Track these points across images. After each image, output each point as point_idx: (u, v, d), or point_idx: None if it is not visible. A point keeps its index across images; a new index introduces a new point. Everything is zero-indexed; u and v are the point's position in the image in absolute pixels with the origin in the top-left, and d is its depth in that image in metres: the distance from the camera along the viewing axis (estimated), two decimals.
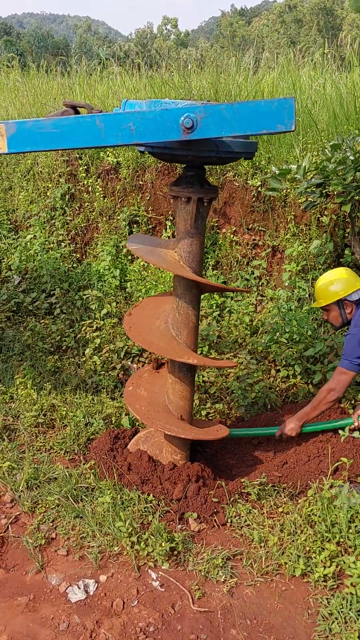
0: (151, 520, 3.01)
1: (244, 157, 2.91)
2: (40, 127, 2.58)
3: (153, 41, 51.01)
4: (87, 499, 3.22)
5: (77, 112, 2.88)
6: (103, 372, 4.51)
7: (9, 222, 6.62)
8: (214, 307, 5.18)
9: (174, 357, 3.09)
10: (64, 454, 3.69)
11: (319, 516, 2.95)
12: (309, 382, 4.26)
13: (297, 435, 3.52)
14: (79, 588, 2.74)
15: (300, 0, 56.66)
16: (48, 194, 6.45)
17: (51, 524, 3.10)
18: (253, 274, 5.34)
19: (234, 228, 5.51)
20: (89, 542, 2.97)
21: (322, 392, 3.41)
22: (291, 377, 4.36)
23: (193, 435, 3.20)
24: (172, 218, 5.75)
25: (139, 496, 3.16)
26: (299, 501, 3.16)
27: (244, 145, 2.79)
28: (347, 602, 2.58)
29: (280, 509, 3.16)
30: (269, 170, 4.92)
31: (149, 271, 5.67)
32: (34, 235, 6.36)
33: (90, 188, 6.19)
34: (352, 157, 3.76)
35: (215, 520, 3.12)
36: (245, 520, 3.10)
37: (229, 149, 2.76)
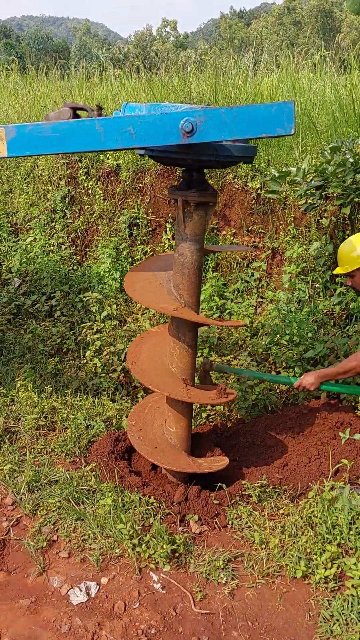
0: (152, 523, 3.01)
1: (244, 161, 2.91)
2: (40, 131, 2.59)
3: (152, 43, 51.06)
4: (88, 502, 3.22)
5: (76, 114, 2.89)
6: (103, 375, 4.52)
7: (9, 224, 6.64)
8: (214, 309, 5.19)
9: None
10: (65, 456, 3.70)
11: (320, 518, 2.96)
12: None
13: (315, 389, 3.52)
14: (81, 590, 2.74)
15: (299, 3, 56.74)
16: (48, 196, 6.46)
17: (52, 526, 3.10)
18: (253, 275, 5.35)
19: (234, 230, 5.52)
20: (90, 545, 2.97)
21: (352, 361, 3.39)
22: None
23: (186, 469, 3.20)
24: (172, 220, 5.77)
25: (140, 498, 3.16)
26: (300, 503, 3.17)
27: (243, 150, 2.80)
28: (348, 604, 2.59)
29: (281, 511, 3.16)
30: (268, 173, 4.94)
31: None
32: (34, 238, 6.37)
33: (90, 191, 6.20)
34: (351, 160, 3.78)
35: (216, 522, 3.12)
36: (246, 522, 3.11)
37: (229, 153, 2.77)
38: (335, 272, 3.52)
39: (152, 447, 3.26)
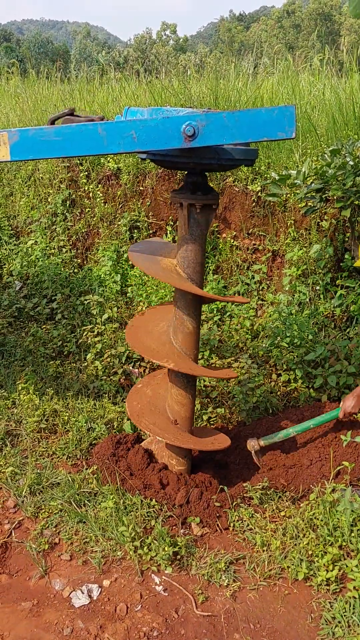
0: (154, 525, 3.02)
1: (245, 164, 2.93)
2: (43, 135, 2.60)
3: (152, 47, 51.19)
4: (90, 504, 3.23)
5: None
6: (105, 377, 4.52)
7: (10, 228, 6.65)
8: (215, 312, 5.20)
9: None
10: (67, 459, 3.70)
11: (321, 520, 2.96)
12: (310, 386, 4.27)
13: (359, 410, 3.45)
14: (83, 593, 2.74)
15: (298, 6, 56.90)
16: (49, 199, 6.48)
17: (54, 529, 3.11)
18: (253, 278, 5.36)
19: (234, 233, 5.53)
20: (92, 547, 2.98)
21: None
22: (292, 381, 4.38)
23: (179, 443, 3.21)
24: (172, 223, 5.78)
25: (141, 501, 3.17)
26: (301, 505, 3.18)
27: (244, 153, 2.82)
28: (350, 606, 2.59)
29: (282, 513, 3.17)
30: (268, 176, 4.95)
31: (149, 276, 5.69)
32: (35, 241, 6.38)
33: (91, 194, 6.21)
34: (351, 162, 3.79)
35: (217, 525, 3.13)
36: (248, 525, 3.11)
37: (230, 156, 2.79)
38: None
39: (141, 409, 3.30)
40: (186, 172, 3.04)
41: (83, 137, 2.57)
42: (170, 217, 5.82)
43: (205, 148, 2.62)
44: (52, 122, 2.83)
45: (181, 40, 60.00)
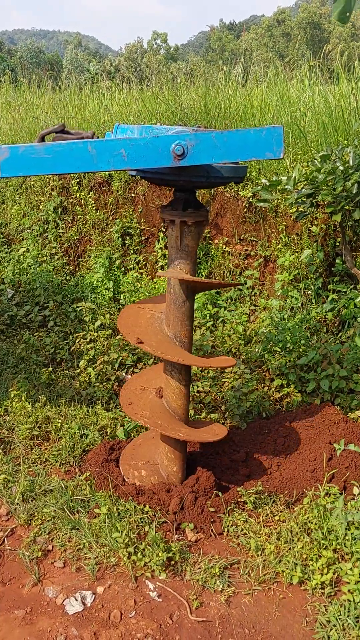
0: (148, 531, 3.00)
1: (234, 181, 2.98)
2: (33, 152, 2.61)
3: (143, 56, 51.45)
4: (83, 511, 3.21)
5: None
6: (97, 384, 4.51)
7: (1, 235, 6.65)
8: (208, 317, 5.21)
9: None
10: (60, 465, 3.69)
11: (315, 524, 2.96)
12: (302, 390, 4.28)
13: None
14: (76, 600, 2.72)
15: (288, 15, 57.40)
16: (41, 207, 6.48)
17: (47, 536, 3.09)
18: (245, 284, 5.37)
19: (226, 239, 5.55)
20: (85, 554, 2.96)
21: None
22: (285, 385, 4.38)
23: (179, 435, 3.17)
24: (164, 230, 5.79)
25: (135, 507, 3.15)
26: (295, 509, 3.17)
27: (233, 170, 2.86)
28: (344, 609, 2.59)
29: (276, 517, 3.16)
30: (259, 182, 4.97)
31: (142, 282, 5.70)
32: (27, 249, 6.38)
33: (82, 201, 6.22)
34: (341, 167, 3.81)
35: (212, 530, 3.12)
36: (242, 529, 3.10)
37: (219, 174, 2.83)
38: None
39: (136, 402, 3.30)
40: (175, 189, 3.07)
41: (73, 155, 2.59)
42: (162, 224, 5.83)
43: (195, 166, 2.65)
44: (42, 138, 2.85)
45: (172, 49, 60.33)
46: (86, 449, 3.81)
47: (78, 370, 4.71)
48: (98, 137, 2.81)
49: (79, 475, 3.51)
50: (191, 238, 3.03)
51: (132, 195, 5.99)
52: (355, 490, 3.12)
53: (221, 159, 2.52)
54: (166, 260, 4.42)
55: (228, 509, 3.21)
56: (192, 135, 2.50)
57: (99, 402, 4.34)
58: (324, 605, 2.65)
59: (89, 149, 2.57)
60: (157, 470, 3.40)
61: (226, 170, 2.83)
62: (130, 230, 5.96)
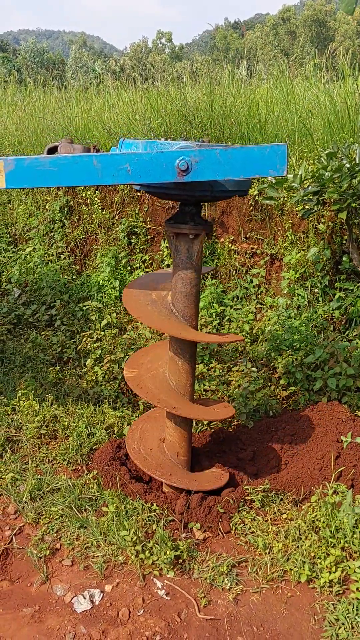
0: (155, 529, 3.01)
1: (238, 194, 2.97)
2: (38, 165, 2.62)
3: (148, 55, 51.45)
4: (90, 509, 3.22)
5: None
6: (104, 383, 4.52)
7: (8, 235, 6.67)
8: (214, 316, 5.20)
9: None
10: (67, 464, 3.70)
11: (323, 522, 2.95)
12: (309, 388, 4.27)
13: None
14: (85, 598, 2.73)
15: (293, 13, 57.25)
16: (47, 207, 6.49)
17: (55, 534, 3.09)
18: (252, 282, 5.36)
19: (232, 237, 5.54)
20: (93, 552, 2.96)
21: None
22: (292, 384, 4.37)
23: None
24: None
25: (142, 505, 3.16)
26: (303, 507, 3.17)
27: (237, 184, 2.87)
28: (353, 607, 2.58)
29: (284, 516, 3.16)
30: (265, 180, 4.96)
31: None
32: (34, 248, 6.40)
33: (88, 200, 6.23)
34: (347, 165, 3.80)
35: (219, 528, 3.12)
36: (250, 528, 3.10)
37: (223, 188, 2.84)
38: None
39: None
40: (180, 203, 3.07)
41: (78, 169, 2.60)
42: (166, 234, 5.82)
43: (199, 181, 2.65)
44: (50, 151, 2.88)
45: (177, 48, 60.31)
46: (93, 447, 3.82)
47: (85, 369, 4.71)
48: (99, 150, 2.84)
49: (87, 474, 3.51)
50: (194, 247, 3.03)
51: (138, 194, 5.99)
52: None
53: (225, 175, 2.53)
54: (171, 260, 4.43)
55: (236, 507, 3.20)
56: (196, 151, 2.50)
57: (106, 400, 4.35)
58: (333, 604, 2.65)
59: (94, 162, 2.59)
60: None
61: (230, 184, 2.84)
62: (136, 229, 5.96)
